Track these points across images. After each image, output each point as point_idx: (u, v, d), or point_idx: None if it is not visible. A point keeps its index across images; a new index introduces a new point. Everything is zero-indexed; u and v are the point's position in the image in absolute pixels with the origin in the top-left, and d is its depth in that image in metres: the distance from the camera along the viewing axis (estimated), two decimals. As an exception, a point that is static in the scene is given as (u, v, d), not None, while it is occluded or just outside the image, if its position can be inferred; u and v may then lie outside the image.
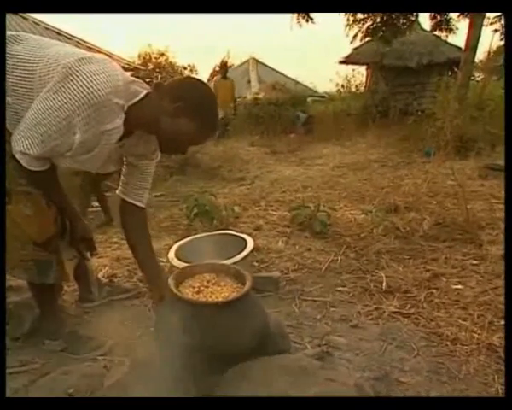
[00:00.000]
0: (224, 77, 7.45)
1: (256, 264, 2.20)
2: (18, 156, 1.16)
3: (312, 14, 7.57)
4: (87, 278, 1.71)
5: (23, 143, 1.13)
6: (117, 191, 1.43)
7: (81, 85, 1.07)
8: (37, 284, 1.39)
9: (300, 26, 7.65)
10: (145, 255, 1.40)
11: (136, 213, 1.41)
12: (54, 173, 1.29)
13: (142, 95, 1.17)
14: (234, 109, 7.83)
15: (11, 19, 7.27)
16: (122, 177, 1.42)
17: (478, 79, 8.68)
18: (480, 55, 8.51)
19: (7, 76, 1.16)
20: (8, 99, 1.17)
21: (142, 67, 11.92)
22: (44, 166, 1.21)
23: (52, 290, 1.47)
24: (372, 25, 7.65)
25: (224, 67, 7.72)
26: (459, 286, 1.92)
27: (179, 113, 1.15)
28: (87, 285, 1.72)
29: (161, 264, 2.19)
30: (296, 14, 7.56)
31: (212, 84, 7.26)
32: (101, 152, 1.21)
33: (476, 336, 1.50)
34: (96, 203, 3.17)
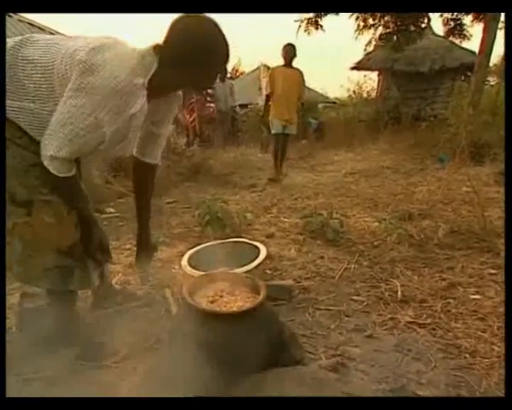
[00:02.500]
0: (288, 65, 4.69)
1: (269, 272, 2.19)
2: (46, 163, 1.17)
3: (322, 21, 7.59)
4: (102, 284, 1.72)
5: (52, 147, 1.14)
6: (134, 153, 1.49)
7: (100, 77, 1.08)
8: (58, 290, 1.39)
9: (309, 33, 7.67)
10: (144, 209, 1.61)
11: (150, 169, 1.54)
12: (78, 179, 1.30)
13: (155, 65, 1.19)
14: (302, 111, 5.11)
15: (16, 24, 7.36)
16: (139, 141, 1.45)
17: (492, 83, 8.57)
18: (495, 59, 8.41)
19: (26, 81, 1.17)
20: (30, 105, 1.18)
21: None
22: (71, 172, 1.22)
23: (71, 297, 1.48)
24: (384, 31, 7.63)
25: (288, 51, 4.64)
26: (477, 296, 1.88)
27: (182, 66, 1.18)
28: (101, 292, 1.73)
29: (174, 271, 2.22)
30: (305, 22, 7.58)
31: (264, 77, 5.19)
32: (134, 135, 1.26)
33: (496, 348, 1.46)
34: (111, 209, 3.20)
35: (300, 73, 4.76)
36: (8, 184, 1.22)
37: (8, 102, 1.18)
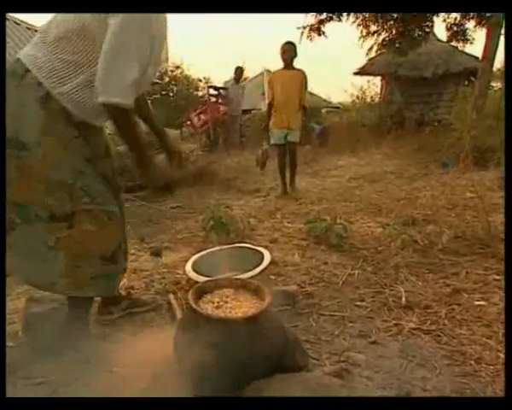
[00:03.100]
0: (288, 67, 4.14)
1: (273, 277, 2.19)
2: (120, 98, 1.17)
3: (325, 27, 7.62)
4: None
5: (127, 73, 1.16)
6: None
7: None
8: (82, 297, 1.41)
9: (311, 40, 7.68)
10: (156, 127, 1.66)
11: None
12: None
13: None
14: (304, 116, 4.40)
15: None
16: None
17: (496, 88, 8.56)
18: (498, 63, 8.40)
19: (69, 57, 1.22)
20: (83, 77, 1.23)
21: (158, 81, 12.14)
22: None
23: (91, 302, 1.50)
24: (388, 37, 7.64)
25: (288, 51, 4.12)
26: (482, 302, 1.87)
27: None
28: (108, 298, 1.74)
29: (178, 276, 2.22)
30: (308, 29, 7.60)
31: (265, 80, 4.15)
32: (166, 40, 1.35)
33: (502, 355, 1.45)
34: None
35: (302, 73, 4.18)
36: (48, 203, 1.25)
37: (67, 88, 1.22)
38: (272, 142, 4.38)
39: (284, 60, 4.14)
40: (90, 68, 1.22)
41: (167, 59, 1.45)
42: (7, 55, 1.26)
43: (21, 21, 7.56)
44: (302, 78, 4.20)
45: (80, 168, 1.27)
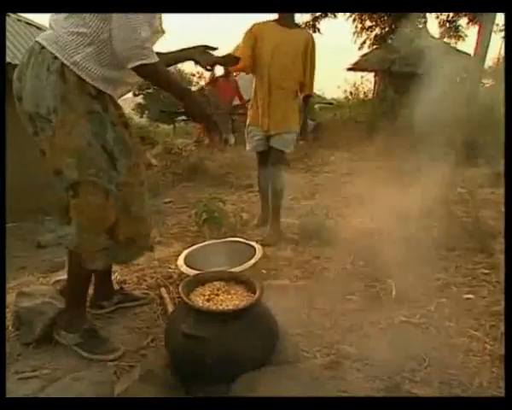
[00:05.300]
0: (285, 23, 2.44)
1: (264, 271, 2.20)
2: (145, 53, 1.25)
3: (320, 23, 7.63)
4: (103, 284, 1.73)
5: (141, 36, 1.23)
6: None
7: None
8: (81, 271, 1.44)
9: None
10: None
11: None
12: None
13: None
14: (305, 111, 2.96)
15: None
16: None
17: (487, 85, 8.62)
18: (490, 61, 8.48)
19: (87, 27, 1.28)
20: (91, 48, 1.29)
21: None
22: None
23: (88, 280, 1.52)
24: (380, 33, 7.67)
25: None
26: (470, 296, 1.90)
27: None
28: (101, 292, 1.74)
29: (170, 270, 2.22)
30: (303, 26, 7.59)
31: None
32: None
33: (489, 347, 1.48)
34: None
35: (309, 36, 2.53)
36: (56, 162, 1.32)
37: (78, 58, 1.28)
38: (248, 147, 2.81)
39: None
40: (98, 37, 1.28)
41: (163, 30, 1.47)
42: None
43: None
44: (308, 43, 2.49)
45: (89, 140, 1.31)
